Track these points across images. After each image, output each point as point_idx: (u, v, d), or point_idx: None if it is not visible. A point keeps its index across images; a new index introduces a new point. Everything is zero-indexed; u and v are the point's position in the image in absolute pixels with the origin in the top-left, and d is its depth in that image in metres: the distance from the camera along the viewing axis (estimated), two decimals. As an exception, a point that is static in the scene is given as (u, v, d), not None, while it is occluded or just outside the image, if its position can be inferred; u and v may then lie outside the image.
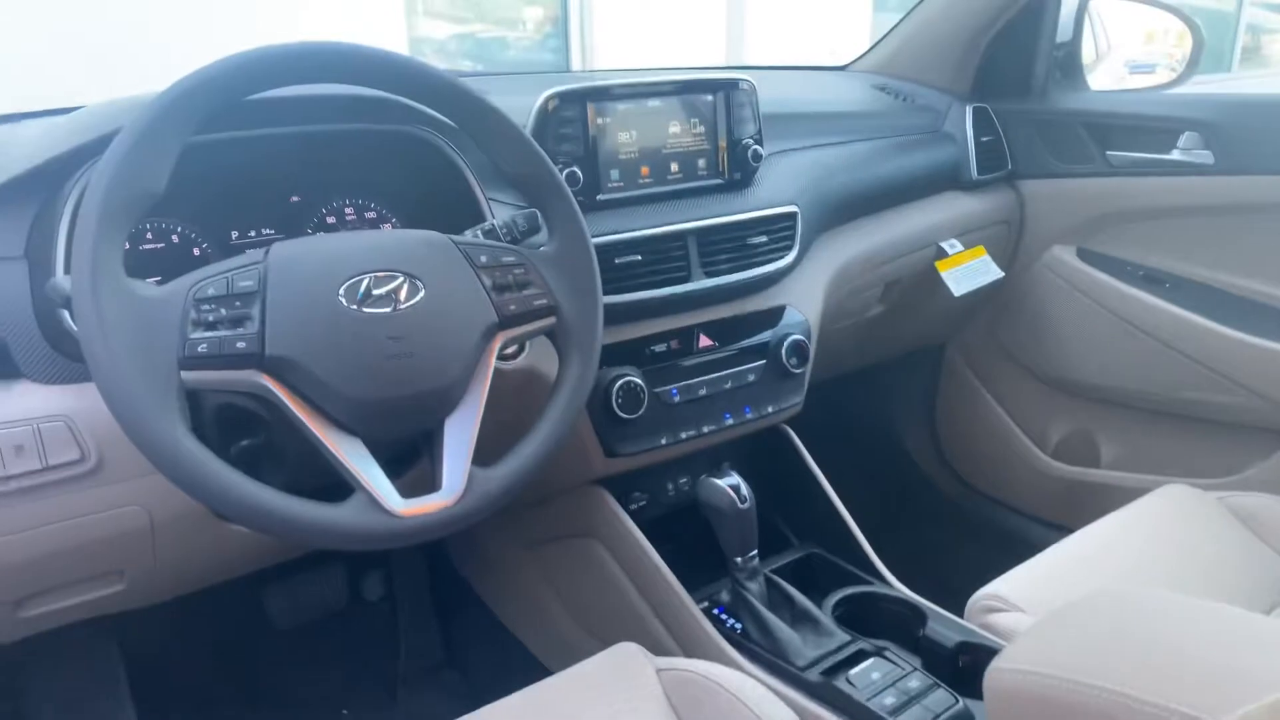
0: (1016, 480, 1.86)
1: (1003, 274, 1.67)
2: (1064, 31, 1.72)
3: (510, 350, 1.01)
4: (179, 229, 1.00)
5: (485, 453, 0.83)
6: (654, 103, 1.19)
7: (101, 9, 3.91)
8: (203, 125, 0.75)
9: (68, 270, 0.79)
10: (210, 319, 0.72)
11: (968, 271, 1.63)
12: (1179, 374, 1.57)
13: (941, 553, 1.90)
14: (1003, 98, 1.73)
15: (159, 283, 0.74)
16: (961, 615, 1.13)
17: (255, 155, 1.01)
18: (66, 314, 0.82)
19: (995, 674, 0.78)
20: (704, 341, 1.24)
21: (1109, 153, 1.63)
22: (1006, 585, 1.10)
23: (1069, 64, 1.75)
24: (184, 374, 0.71)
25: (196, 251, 1.01)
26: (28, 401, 0.84)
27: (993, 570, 1.14)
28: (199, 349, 0.71)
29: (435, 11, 5.82)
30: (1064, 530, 1.29)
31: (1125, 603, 0.80)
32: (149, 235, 0.98)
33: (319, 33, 0.82)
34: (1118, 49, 1.89)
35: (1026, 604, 1.07)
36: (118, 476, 0.88)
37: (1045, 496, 1.81)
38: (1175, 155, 1.55)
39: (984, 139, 1.68)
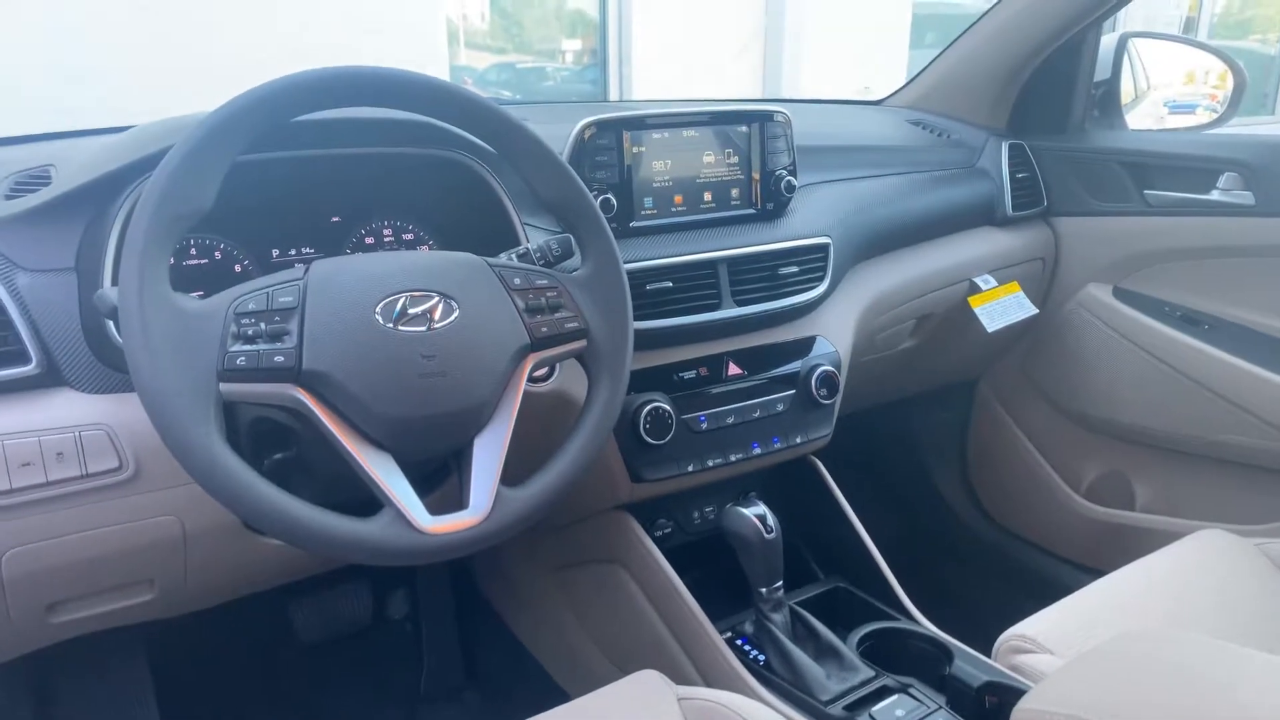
0: (1048, 520, 1.83)
1: (1037, 311, 1.66)
2: (1103, 70, 1.72)
3: (541, 372, 1.02)
4: (222, 245, 1.02)
5: (513, 473, 0.83)
6: (689, 133, 1.21)
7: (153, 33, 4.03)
8: (250, 145, 0.77)
9: (115, 282, 0.82)
10: (250, 333, 0.74)
11: (1001, 307, 1.62)
12: (1216, 417, 1.55)
13: (969, 591, 1.87)
14: (1039, 134, 1.72)
15: (201, 297, 0.76)
16: (989, 655, 1.12)
17: (299, 175, 1.03)
18: (111, 324, 0.85)
19: (1022, 715, 0.77)
20: (733, 370, 1.24)
21: (1147, 192, 1.62)
22: (1035, 626, 1.08)
23: (1107, 102, 1.74)
24: (222, 386, 0.72)
25: (238, 268, 1.03)
26: (70, 409, 0.86)
27: (1021, 611, 1.12)
28: (238, 362, 0.72)
29: (475, 43, 5.93)
30: (1095, 573, 1.26)
31: (1156, 645, 0.78)
32: (193, 251, 1.01)
33: (362, 60, 0.84)
34: (1157, 89, 1.88)
35: (1055, 645, 1.05)
36: (153, 486, 0.90)
37: (1077, 538, 1.78)
38: (1215, 195, 1.53)
39: (1019, 175, 1.67)
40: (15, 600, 0.91)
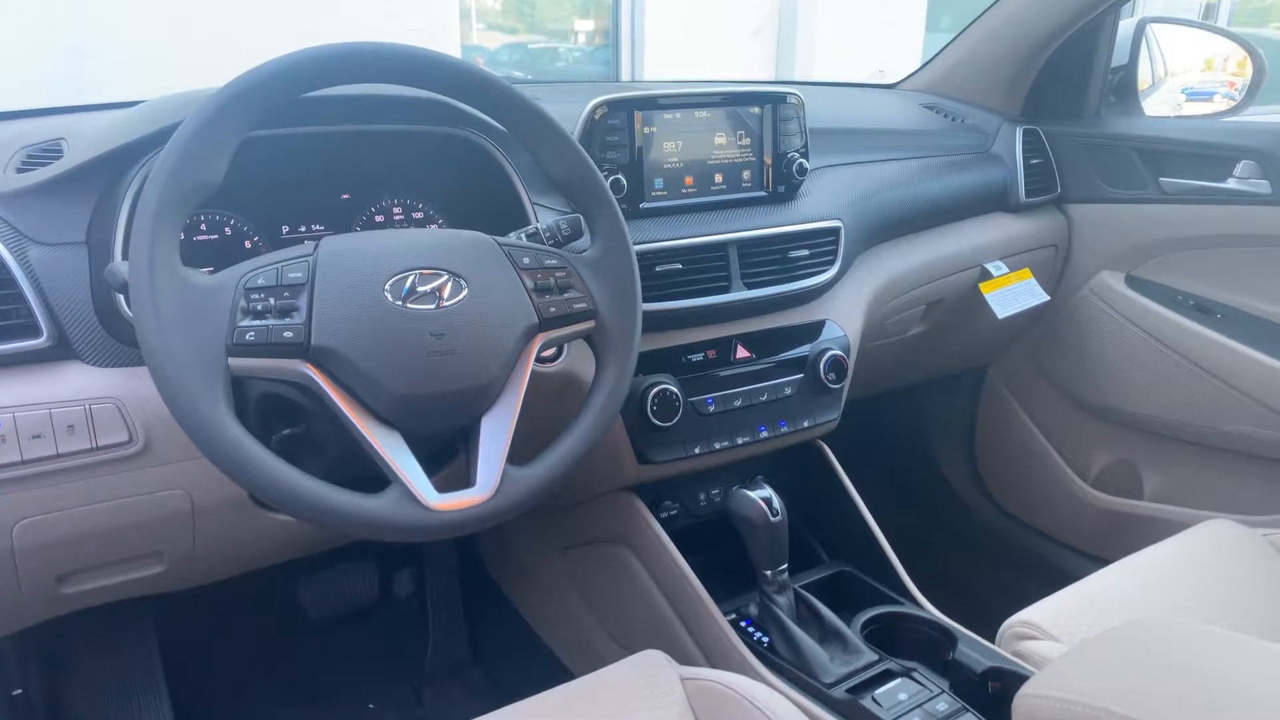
0: (1055, 508, 1.83)
1: (1048, 298, 1.65)
2: (1120, 55, 1.70)
3: (549, 352, 1.02)
4: (232, 221, 1.02)
5: (520, 452, 0.83)
6: (701, 114, 1.20)
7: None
8: (261, 121, 0.77)
9: (125, 256, 0.82)
10: (259, 308, 0.74)
11: (1012, 294, 1.61)
12: (1228, 407, 1.54)
13: (974, 577, 1.87)
14: (1054, 120, 1.71)
15: (211, 273, 0.76)
16: (993, 641, 1.12)
17: (309, 152, 1.03)
18: (122, 298, 0.85)
19: (1024, 700, 0.77)
20: (741, 353, 1.24)
21: (1162, 179, 1.60)
22: (1040, 613, 1.08)
23: (1123, 89, 1.72)
24: (231, 360, 0.72)
25: (248, 244, 1.03)
26: (80, 382, 0.87)
27: (1026, 598, 1.12)
28: (247, 337, 0.73)
29: (488, 22, 5.90)
30: (1101, 561, 1.26)
31: (1161, 633, 0.78)
32: (203, 226, 1.01)
33: (373, 38, 0.84)
34: (1175, 75, 1.86)
35: (1060, 632, 1.05)
36: (162, 460, 0.90)
37: (1084, 526, 1.78)
38: (1231, 184, 1.52)
39: (1033, 161, 1.66)
40: (26, 570, 0.91)
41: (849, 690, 1.07)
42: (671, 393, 1.15)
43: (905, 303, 1.51)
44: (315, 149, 1.03)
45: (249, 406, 0.85)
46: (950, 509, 2.01)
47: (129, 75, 3.68)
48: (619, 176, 1.14)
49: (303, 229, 1.07)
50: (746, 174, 1.25)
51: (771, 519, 1.13)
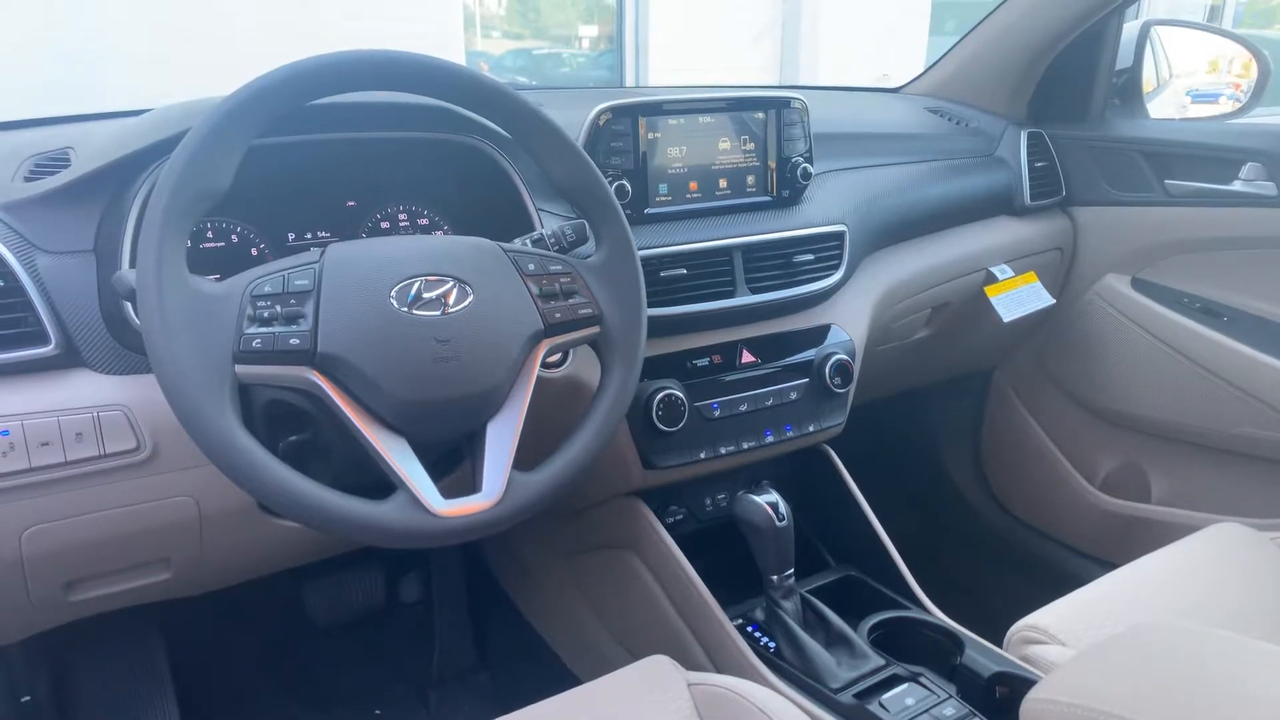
0: (1061, 512, 1.83)
1: (1054, 301, 1.65)
2: (1124, 58, 1.70)
3: (554, 358, 1.02)
4: (238, 229, 1.03)
5: (526, 458, 0.84)
6: (705, 119, 1.20)
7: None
8: (267, 129, 0.78)
9: (133, 264, 0.82)
10: (265, 315, 0.74)
11: (1017, 297, 1.61)
12: (1235, 410, 1.53)
13: (981, 581, 1.87)
14: (1059, 123, 1.71)
15: (218, 280, 0.76)
16: (1000, 645, 1.12)
17: (315, 159, 1.04)
18: (129, 306, 0.85)
19: (1032, 704, 0.77)
20: (747, 357, 1.24)
21: (1168, 182, 1.60)
22: (1047, 617, 1.08)
23: (1128, 91, 1.72)
24: (238, 368, 0.73)
25: (255, 251, 1.04)
26: (89, 390, 0.87)
27: (1033, 602, 1.12)
28: (254, 344, 0.73)
29: (492, 28, 5.92)
30: (1108, 565, 1.26)
31: (1168, 637, 0.78)
32: (210, 234, 1.01)
33: (377, 45, 0.84)
34: (1180, 77, 1.85)
35: (1067, 637, 1.05)
36: (169, 467, 0.91)
37: (1091, 530, 1.77)
38: (1237, 186, 1.52)
39: (1038, 164, 1.66)
40: (34, 578, 0.92)
41: (856, 695, 1.07)
42: (677, 398, 1.15)
43: (910, 306, 1.50)
44: (321, 156, 1.04)
45: (255, 413, 0.85)
46: (957, 513, 2.00)
47: (130, 77, 3.70)
48: (623, 182, 1.14)
49: (309, 236, 1.07)
50: (751, 179, 1.25)
51: (777, 524, 1.12)
